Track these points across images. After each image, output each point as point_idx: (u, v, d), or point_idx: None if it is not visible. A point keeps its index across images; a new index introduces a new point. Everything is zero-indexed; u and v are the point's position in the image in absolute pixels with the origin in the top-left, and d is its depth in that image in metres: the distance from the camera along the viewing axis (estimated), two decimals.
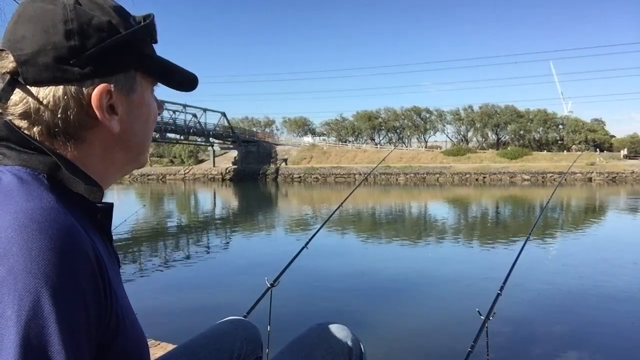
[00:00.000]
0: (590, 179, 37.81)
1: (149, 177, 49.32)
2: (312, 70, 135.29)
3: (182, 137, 46.91)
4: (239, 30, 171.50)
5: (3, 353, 0.46)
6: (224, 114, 50.32)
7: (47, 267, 0.50)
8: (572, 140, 58.60)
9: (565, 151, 53.33)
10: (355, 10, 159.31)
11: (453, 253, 8.54)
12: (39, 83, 0.60)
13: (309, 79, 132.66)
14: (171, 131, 44.70)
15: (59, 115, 0.61)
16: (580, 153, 39.85)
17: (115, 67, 0.64)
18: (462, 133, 69.02)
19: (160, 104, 0.77)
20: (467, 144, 64.37)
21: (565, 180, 35.22)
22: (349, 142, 63.78)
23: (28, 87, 0.61)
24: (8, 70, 0.60)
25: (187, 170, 49.95)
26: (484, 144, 65.98)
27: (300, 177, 44.96)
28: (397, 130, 68.68)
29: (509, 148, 51.61)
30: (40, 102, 0.61)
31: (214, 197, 28.47)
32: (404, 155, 48.96)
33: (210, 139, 49.58)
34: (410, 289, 5.76)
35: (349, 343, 1.10)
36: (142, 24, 0.67)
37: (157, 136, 44.04)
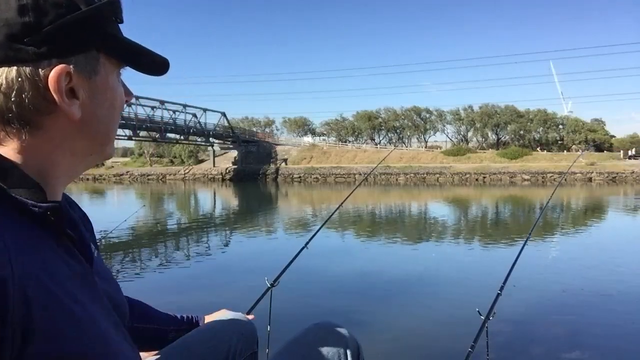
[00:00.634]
0: (590, 179, 37.80)
1: (149, 177, 49.31)
2: (312, 70, 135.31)
3: (182, 137, 46.92)
4: (239, 30, 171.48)
5: None
6: (224, 114, 50.33)
7: None
8: (572, 140, 58.59)
9: (565, 151, 53.30)
10: (355, 10, 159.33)
11: (453, 253, 8.54)
12: None
13: (309, 79, 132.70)
14: (171, 131, 44.71)
15: (12, 99, 0.55)
16: (580, 153, 39.82)
17: (75, 47, 0.59)
18: (462, 133, 69.01)
19: (129, 92, 0.70)
20: (467, 144, 64.36)
21: (565, 180, 35.22)
22: (349, 142, 63.76)
23: None
24: None
25: (187, 170, 49.92)
26: (484, 144, 65.96)
27: (300, 177, 44.94)
28: (397, 130, 68.67)
29: (510, 148, 51.58)
30: None
31: (214, 197, 28.47)
32: (404, 155, 48.95)
33: (210, 139, 49.58)
34: (410, 288, 5.76)
35: (347, 342, 1.11)
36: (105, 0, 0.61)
37: (157, 136, 44.12)
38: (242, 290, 5.26)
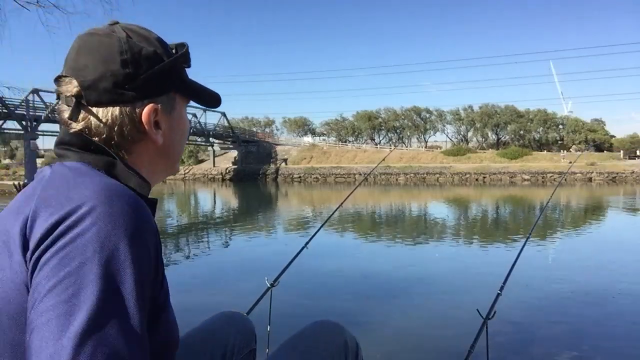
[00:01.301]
0: (590, 179, 37.79)
1: None
2: (312, 70, 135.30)
3: None
4: (239, 30, 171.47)
5: (86, 285, 0.56)
6: (224, 114, 50.33)
7: (124, 221, 0.61)
8: (572, 140, 58.57)
9: (565, 151, 53.27)
10: (355, 10, 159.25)
11: (453, 253, 8.54)
12: (99, 104, 0.71)
13: (309, 79, 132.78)
14: None
15: (115, 130, 0.72)
16: (580, 153, 39.81)
17: (160, 90, 0.76)
18: (462, 133, 69.02)
19: (191, 122, 0.88)
20: (467, 144, 64.36)
21: (565, 180, 35.21)
22: (349, 142, 63.76)
23: (90, 107, 0.72)
24: (73, 94, 0.71)
25: (187, 170, 49.91)
26: (484, 144, 65.96)
27: (300, 177, 44.93)
28: (397, 130, 68.66)
29: (510, 148, 51.54)
30: (100, 120, 0.72)
31: (214, 197, 28.47)
32: (404, 155, 48.95)
33: (210, 139, 49.58)
34: (410, 288, 5.75)
35: (345, 339, 1.13)
36: (177, 51, 0.78)
37: None
38: (242, 290, 5.26)
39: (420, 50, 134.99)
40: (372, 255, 8.49)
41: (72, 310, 0.54)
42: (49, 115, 32.25)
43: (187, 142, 0.92)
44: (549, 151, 53.15)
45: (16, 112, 30.63)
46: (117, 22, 0.76)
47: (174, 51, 0.78)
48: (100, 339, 0.54)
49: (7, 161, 68.48)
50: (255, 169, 48.00)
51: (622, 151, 48.50)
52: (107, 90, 0.71)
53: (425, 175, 42.22)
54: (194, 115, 45.58)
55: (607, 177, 37.64)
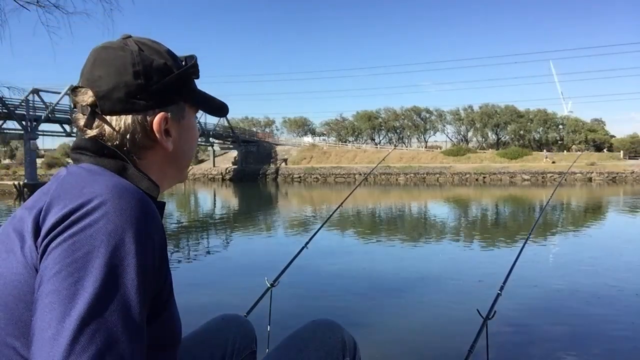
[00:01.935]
0: (590, 179, 37.78)
1: None
2: (312, 70, 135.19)
3: None
4: (239, 30, 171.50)
5: (91, 272, 0.60)
6: None
7: (132, 216, 0.64)
8: (572, 140, 58.57)
9: (565, 151, 53.27)
10: (355, 10, 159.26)
11: (453, 253, 8.54)
12: (113, 113, 0.76)
13: (309, 79, 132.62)
14: None
15: (127, 138, 0.76)
16: (580, 153, 39.81)
17: (170, 100, 0.80)
18: (462, 133, 69.05)
19: (198, 129, 0.93)
20: (467, 144, 64.38)
21: (565, 180, 35.21)
22: (349, 142, 63.76)
23: (104, 116, 0.76)
24: (88, 103, 0.75)
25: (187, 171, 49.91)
26: (484, 144, 65.97)
27: (300, 177, 44.93)
28: (397, 130, 68.68)
29: (510, 148, 51.54)
30: (113, 128, 0.76)
31: (214, 197, 28.48)
32: (404, 155, 48.94)
33: (210, 139, 49.54)
34: (410, 288, 5.75)
35: (343, 338, 1.14)
36: (186, 63, 0.82)
37: None
38: (242, 290, 5.25)
39: (420, 50, 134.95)
40: (372, 255, 8.49)
41: (74, 295, 0.58)
42: (49, 115, 32.26)
43: (196, 148, 0.94)
44: (549, 151, 53.17)
45: (16, 112, 30.59)
46: (130, 36, 0.80)
47: (183, 63, 0.82)
48: (99, 324, 0.57)
49: (7, 161, 68.48)
50: (255, 169, 48.00)
51: (622, 151, 48.49)
52: (120, 100, 0.75)
53: (425, 175, 42.22)
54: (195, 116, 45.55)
55: (607, 177, 37.64)
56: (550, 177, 37.76)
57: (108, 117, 0.76)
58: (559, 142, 61.36)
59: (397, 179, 41.48)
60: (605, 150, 52.19)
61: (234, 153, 52.74)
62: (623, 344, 3.83)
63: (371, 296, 5.35)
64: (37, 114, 32.26)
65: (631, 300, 5.06)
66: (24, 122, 31.14)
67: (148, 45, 0.79)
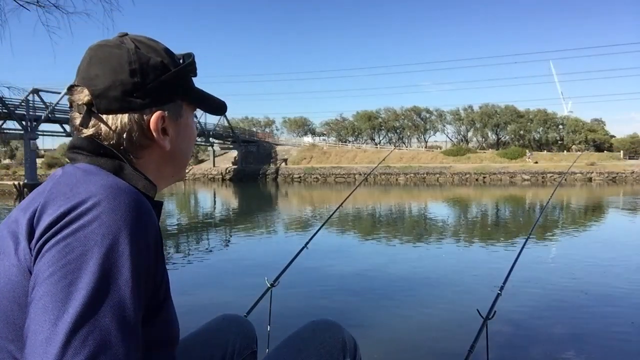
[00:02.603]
0: (590, 179, 37.78)
1: None
2: (312, 70, 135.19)
3: None
4: (239, 30, 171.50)
5: (84, 274, 0.59)
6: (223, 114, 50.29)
7: (126, 216, 0.64)
8: (572, 141, 58.56)
9: (565, 151, 53.25)
10: (355, 10, 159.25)
11: (453, 253, 8.54)
12: (109, 112, 0.75)
13: (309, 79, 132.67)
14: None
15: (124, 137, 0.75)
16: (580, 153, 39.81)
17: (167, 98, 0.79)
18: (462, 133, 69.05)
19: (196, 128, 0.93)
20: (467, 144, 64.38)
21: (565, 180, 35.20)
22: (349, 142, 63.76)
23: (100, 115, 0.75)
24: (84, 102, 0.74)
25: (187, 171, 49.85)
26: (484, 144, 65.96)
27: (300, 177, 44.93)
28: (397, 130, 68.69)
29: (510, 148, 51.54)
30: (110, 127, 0.75)
31: (214, 197, 28.47)
32: (404, 155, 48.94)
33: (210, 139, 49.54)
34: (410, 288, 5.75)
35: (343, 338, 1.14)
36: (184, 61, 0.81)
37: None
38: (242, 290, 5.25)
39: (420, 50, 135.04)
40: (372, 255, 8.49)
41: (68, 297, 0.58)
42: (49, 115, 32.25)
43: (193, 147, 0.94)
44: (549, 151, 53.13)
45: (16, 112, 30.60)
46: (127, 34, 0.79)
47: (181, 61, 0.81)
48: (93, 326, 0.57)
49: (7, 161, 68.47)
50: (255, 169, 47.99)
51: (622, 151, 48.49)
52: (116, 99, 0.74)
53: (425, 175, 42.21)
54: (194, 115, 45.46)
55: (607, 177, 37.63)
56: (550, 177, 37.76)
57: (104, 116, 0.75)
58: (559, 142, 61.36)
59: (397, 179, 41.47)
60: (605, 150, 52.18)
61: (234, 153, 52.73)
62: (623, 344, 3.83)
63: (371, 296, 5.34)
64: (37, 114, 32.26)
65: (631, 300, 5.06)
66: (24, 122, 31.15)
67: (145, 43, 0.78)
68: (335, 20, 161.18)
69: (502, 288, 2.04)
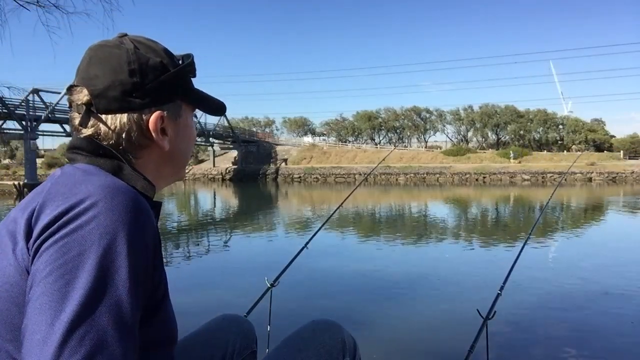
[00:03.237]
0: (590, 179, 37.78)
1: None
2: (312, 70, 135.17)
3: None
4: (239, 30, 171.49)
5: (81, 274, 0.59)
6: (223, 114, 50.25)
7: (124, 216, 0.64)
8: (572, 141, 58.55)
9: (565, 151, 53.24)
10: (355, 10, 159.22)
11: (453, 253, 8.54)
12: (109, 112, 0.75)
13: (309, 79, 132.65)
14: None
15: (123, 137, 0.76)
16: (580, 153, 39.80)
17: (166, 98, 0.79)
18: (462, 133, 69.05)
19: (196, 127, 0.92)
20: (467, 144, 64.37)
21: (565, 180, 35.20)
22: (349, 142, 63.77)
23: (99, 115, 0.75)
24: (83, 102, 0.75)
25: (187, 171, 49.66)
26: (484, 144, 65.96)
27: (300, 177, 44.92)
28: (397, 130, 68.69)
29: (510, 148, 51.52)
30: (109, 127, 0.75)
31: (214, 197, 28.48)
32: (404, 155, 48.94)
33: (210, 139, 49.54)
34: (410, 288, 5.75)
35: (343, 338, 1.14)
36: (183, 62, 0.81)
37: None
38: (242, 290, 5.25)
39: (420, 50, 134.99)
40: (372, 255, 8.49)
41: (65, 297, 0.58)
42: (49, 115, 32.24)
43: (193, 147, 0.94)
44: (549, 151, 53.13)
45: (16, 112, 30.60)
46: (126, 34, 0.79)
47: (180, 61, 0.81)
48: (89, 326, 0.57)
49: (7, 161, 68.47)
50: (255, 169, 47.99)
51: (622, 151, 48.48)
52: (115, 99, 0.74)
53: (425, 175, 42.21)
54: (194, 115, 45.38)
55: (607, 177, 37.63)
56: (550, 177, 37.75)
57: (103, 116, 0.75)
58: (559, 142, 61.36)
59: (397, 179, 41.47)
60: (605, 150, 52.17)
61: (234, 153, 52.73)
62: (623, 344, 3.83)
63: (371, 296, 5.34)
64: (37, 114, 32.27)
65: (631, 300, 5.06)
66: (24, 122, 31.15)
67: (144, 44, 0.78)
68: (335, 20, 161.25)
69: (502, 288, 2.04)
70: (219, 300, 5.16)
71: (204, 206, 22.98)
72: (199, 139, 49.21)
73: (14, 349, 0.63)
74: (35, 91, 32.38)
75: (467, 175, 40.68)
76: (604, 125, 63.88)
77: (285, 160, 50.56)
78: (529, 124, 62.26)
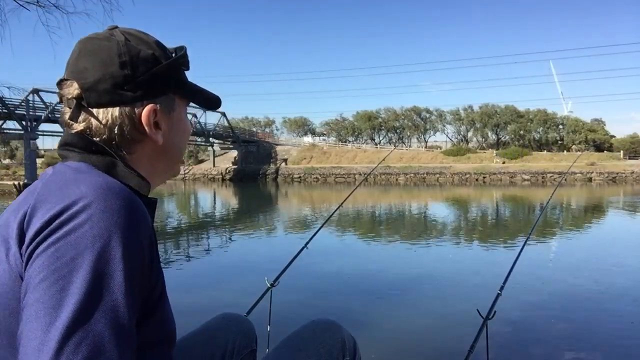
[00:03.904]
0: (590, 179, 37.78)
1: None
2: (312, 70, 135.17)
3: None
4: (239, 30, 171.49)
5: (76, 278, 0.58)
6: (223, 114, 50.28)
7: (118, 218, 0.62)
8: (572, 141, 58.55)
9: (565, 151, 53.23)
10: (355, 10, 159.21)
11: (453, 253, 8.54)
12: (100, 105, 0.73)
13: (309, 79, 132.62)
14: None
15: (115, 131, 0.74)
16: (580, 153, 39.79)
17: (159, 91, 0.77)
18: (462, 133, 69.06)
19: (192, 122, 0.91)
20: (467, 144, 64.35)
21: (565, 180, 35.20)
22: (349, 142, 63.76)
23: (90, 109, 0.73)
24: (74, 96, 0.73)
25: (187, 171, 49.90)
26: (484, 144, 65.95)
27: (300, 177, 44.93)
28: (397, 130, 68.68)
29: (510, 148, 51.54)
30: (100, 121, 0.73)
31: (214, 197, 28.47)
32: (404, 155, 48.94)
33: (210, 139, 49.54)
34: (410, 288, 5.75)
35: (343, 338, 1.14)
36: (176, 54, 0.80)
37: None
38: (242, 290, 5.25)
39: (420, 50, 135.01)
40: (372, 255, 8.49)
41: (60, 303, 0.57)
42: (49, 115, 32.25)
43: (187, 142, 0.92)
44: (549, 151, 53.12)
45: (16, 112, 30.60)
46: (117, 27, 0.77)
47: (172, 54, 0.79)
48: (86, 332, 0.56)
49: (7, 161, 68.46)
50: (255, 169, 47.99)
51: (622, 151, 48.47)
52: (106, 92, 0.72)
53: (425, 175, 42.21)
54: (194, 115, 45.51)
55: (607, 177, 37.63)
56: (550, 177, 37.75)
57: (95, 110, 0.73)
58: (559, 142, 61.35)
59: (397, 179, 41.46)
60: (605, 150, 52.17)
61: (234, 153, 52.73)
62: (623, 344, 3.83)
63: (371, 296, 5.34)
64: (37, 114, 32.28)
65: (631, 300, 5.06)
66: (24, 122, 31.15)
67: (135, 36, 0.77)
68: (335, 20, 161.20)
69: (502, 288, 2.04)
70: (219, 300, 5.16)
71: (204, 206, 22.98)
72: (198, 139, 49.27)
73: (9, 355, 0.62)
74: (35, 91, 32.37)
75: (467, 175, 40.68)
76: (604, 125, 63.90)
77: (285, 160, 50.56)
78: (529, 124, 62.25)
